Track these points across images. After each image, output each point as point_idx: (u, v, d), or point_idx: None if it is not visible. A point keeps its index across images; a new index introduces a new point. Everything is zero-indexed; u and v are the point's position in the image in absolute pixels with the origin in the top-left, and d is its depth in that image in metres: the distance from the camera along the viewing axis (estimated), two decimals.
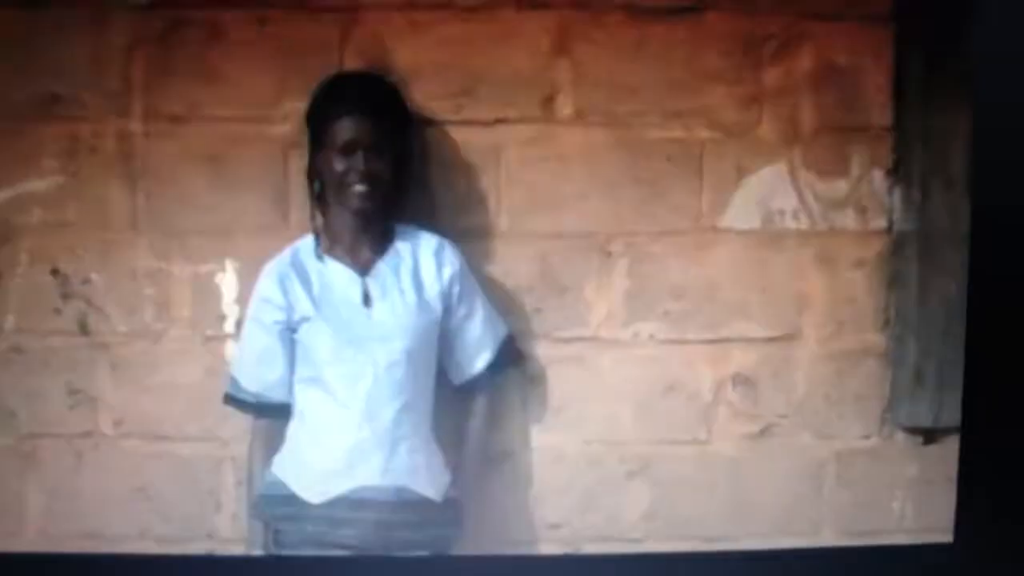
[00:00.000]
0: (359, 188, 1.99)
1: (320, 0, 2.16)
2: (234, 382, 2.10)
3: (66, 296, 2.20)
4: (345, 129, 1.99)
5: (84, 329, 2.21)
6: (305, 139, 2.09)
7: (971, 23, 2.03)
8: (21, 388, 2.21)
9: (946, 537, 2.07)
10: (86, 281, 2.20)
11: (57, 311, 2.20)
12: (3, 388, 2.20)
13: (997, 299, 1.93)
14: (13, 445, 2.22)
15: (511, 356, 2.16)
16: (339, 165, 2.00)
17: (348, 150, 1.99)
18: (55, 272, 2.20)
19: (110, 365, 2.21)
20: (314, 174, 2.07)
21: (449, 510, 2.06)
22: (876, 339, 2.26)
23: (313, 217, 2.09)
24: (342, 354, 2.00)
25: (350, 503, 1.98)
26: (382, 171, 2.01)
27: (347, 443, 1.99)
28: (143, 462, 2.23)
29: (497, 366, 2.13)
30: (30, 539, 2.22)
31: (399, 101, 2.08)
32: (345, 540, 1.98)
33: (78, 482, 2.23)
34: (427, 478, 2.03)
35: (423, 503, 2.02)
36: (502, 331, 2.14)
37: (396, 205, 2.09)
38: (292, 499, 2.01)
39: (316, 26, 2.16)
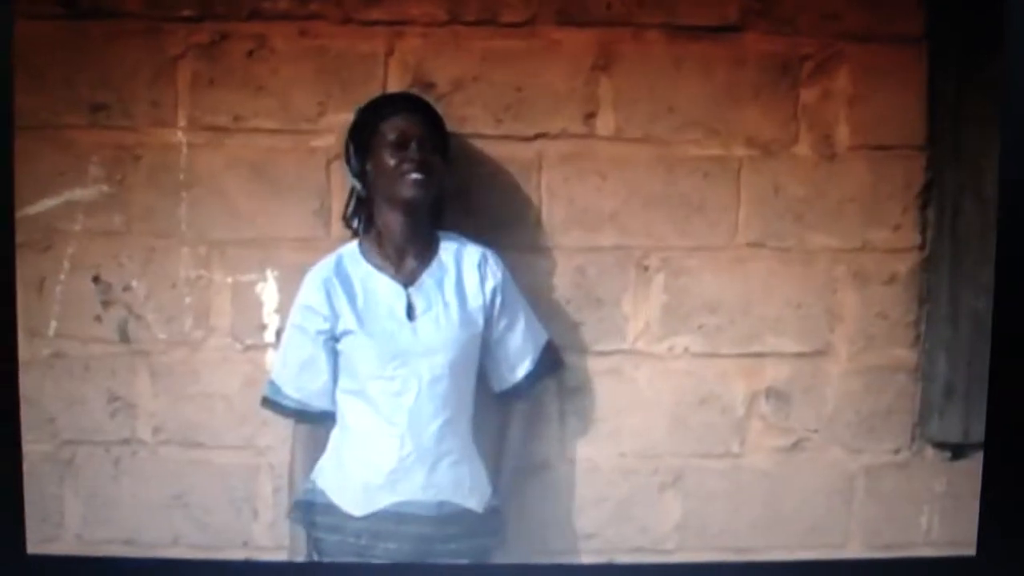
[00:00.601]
0: (414, 176, 2.00)
1: (364, 14, 2.18)
2: (274, 387, 2.11)
3: (107, 303, 2.22)
4: (397, 124, 2.02)
5: (124, 336, 2.22)
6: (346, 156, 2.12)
7: (1002, 43, 2.07)
8: (61, 394, 2.23)
9: (971, 551, 2.10)
10: (127, 289, 2.22)
11: (98, 318, 2.22)
12: (43, 394, 2.22)
13: (1022, 314, 1.97)
14: (52, 451, 2.23)
15: (552, 363, 2.18)
16: (392, 160, 2.02)
17: (401, 143, 2.01)
18: (96, 279, 2.22)
19: (150, 373, 2.23)
20: (354, 198, 2.11)
21: (490, 519, 2.08)
22: (907, 355, 2.29)
23: (359, 229, 2.12)
24: (385, 369, 2.02)
25: (392, 517, 2.00)
26: (435, 162, 2.03)
27: (390, 459, 2.01)
28: (181, 469, 2.25)
29: (538, 374, 2.15)
30: (68, 544, 2.24)
31: (439, 117, 2.10)
32: (386, 553, 2.00)
33: (116, 488, 2.24)
34: (469, 489, 2.05)
35: (465, 515, 2.04)
36: (542, 338, 2.16)
37: (438, 215, 2.12)
38: (333, 509, 2.03)
39: (360, 40, 2.19)
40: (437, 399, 2.02)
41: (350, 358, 2.05)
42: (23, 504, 2.05)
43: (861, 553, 2.31)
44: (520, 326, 2.12)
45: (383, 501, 2.01)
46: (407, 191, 2.02)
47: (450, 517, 2.02)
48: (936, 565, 2.27)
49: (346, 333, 2.04)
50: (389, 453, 2.01)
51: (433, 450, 2.01)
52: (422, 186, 2.02)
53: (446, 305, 2.06)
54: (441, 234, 2.11)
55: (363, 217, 2.11)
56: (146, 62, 2.18)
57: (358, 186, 2.09)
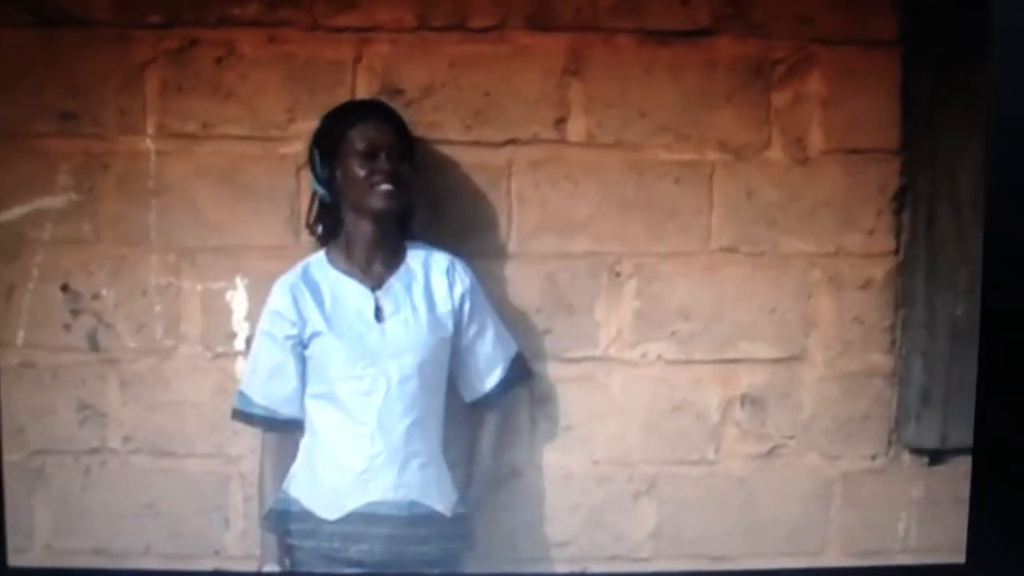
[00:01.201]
0: (384, 187, 2.00)
1: (333, 20, 2.17)
2: (243, 397, 2.10)
3: (76, 312, 2.21)
4: (365, 133, 2.02)
5: (94, 345, 2.21)
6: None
7: (977, 47, 2.06)
8: (30, 404, 2.22)
9: (957, 558, 2.08)
10: (96, 297, 2.21)
11: (67, 327, 2.21)
12: (12, 404, 2.20)
13: (1010, 319, 1.95)
14: (22, 461, 2.22)
15: (522, 373, 2.18)
16: (362, 170, 2.01)
17: (370, 152, 2.01)
18: (65, 288, 2.21)
19: (119, 381, 2.22)
20: (318, 203, 2.10)
21: (459, 525, 2.08)
22: (883, 360, 2.27)
23: (324, 234, 2.11)
24: (354, 369, 2.01)
25: (364, 518, 2.00)
26: (405, 171, 2.03)
27: (360, 459, 2.01)
28: (151, 478, 2.23)
29: (508, 383, 2.15)
30: (38, 555, 2.23)
31: (405, 125, 2.09)
32: (359, 556, 2.00)
33: (86, 498, 2.23)
34: (438, 493, 2.05)
35: (434, 517, 2.03)
36: (512, 348, 2.16)
37: (407, 222, 2.11)
38: (306, 515, 2.03)
39: (329, 46, 2.17)
40: (406, 399, 2.01)
41: (319, 361, 2.04)
42: (3, 517, 2.04)
43: (838, 560, 2.29)
44: (490, 334, 2.12)
45: (355, 502, 2.00)
46: (377, 202, 2.01)
47: (420, 518, 2.02)
48: (926, 573, 2.25)
49: (315, 335, 2.04)
50: (359, 453, 2.01)
51: (402, 450, 2.01)
52: (392, 197, 2.02)
53: (414, 308, 2.05)
54: (408, 243, 2.11)
55: (328, 223, 2.10)
56: (114, 69, 2.17)
57: (322, 191, 2.09)
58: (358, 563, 2.01)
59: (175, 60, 2.17)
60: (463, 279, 2.10)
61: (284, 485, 2.06)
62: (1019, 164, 1.93)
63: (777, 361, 2.26)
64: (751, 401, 2.26)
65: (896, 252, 2.26)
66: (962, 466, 2.18)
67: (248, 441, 2.17)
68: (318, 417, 2.06)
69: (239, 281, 2.21)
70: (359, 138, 2.02)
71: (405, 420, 2.02)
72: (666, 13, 2.19)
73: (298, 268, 2.09)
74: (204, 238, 2.20)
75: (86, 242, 2.20)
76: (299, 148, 2.17)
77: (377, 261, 2.07)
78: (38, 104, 2.17)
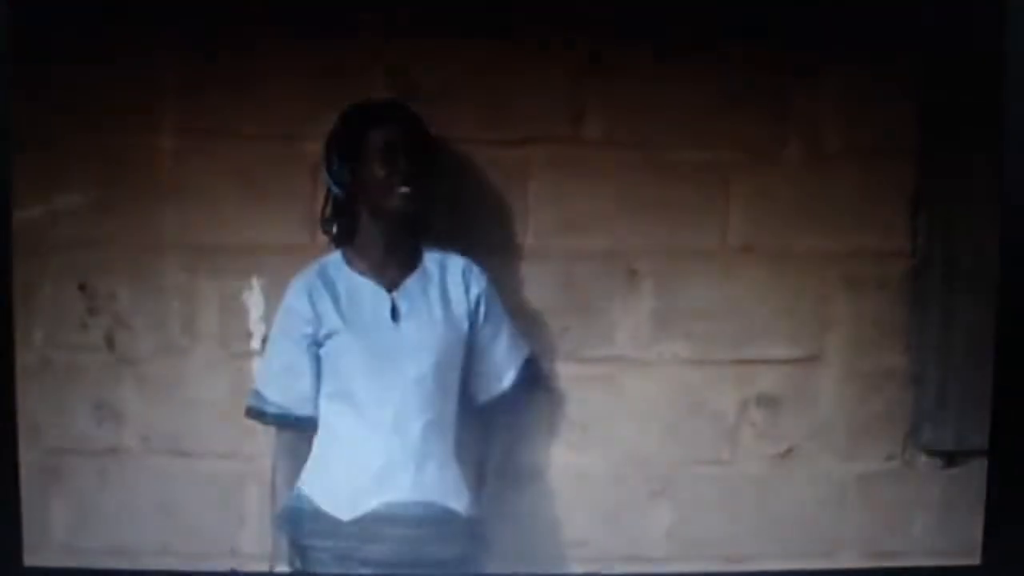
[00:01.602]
0: (403, 190, 2.00)
1: (352, 19, 2.17)
2: (257, 395, 2.10)
3: (93, 311, 2.21)
4: (385, 134, 2.01)
5: (110, 344, 2.22)
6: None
7: (997, 49, 2.06)
8: (47, 403, 2.21)
9: (972, 560, 2.08)
10: (113, 296, 2.21)
11: (84, 326, 2.21)
12: (29, 402, 2.19)
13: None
14: (38, 460, 2.21)
15: (535, 376, 2.18)
16: (381, 171, 2.01)
17: (389, 153, 2.01)
18: (83, 287, 2.21)
19: (136, 381, 2.22)
20: (332, 202, 2.10)
21: (474, 525, 2.07)
22: (899, 361, 2.27)
23: (339, 234, 2.11)
24: (370, 368, 2.02)
25: (380, 519, 1.99)
26: (424, 173, 2.03)
27: (376, 459, 2.00)
28: (168, 478, 2.23)
29: (521, 385, 2.15)
30: (54, 554, 2.22)
31: (425, 126, 2.09)
32: (375, 556, 1.99)
33: (102, 497, 2.23)
34: (454, 493, 2.04)
35: (450, 518, 2.03)
36: (525, 351, 2.16)
37: (424, 223, 2.10)
38: (321, 515, 2.02)
39: (347, 45, 2.17)
40: (421, 399, 2.02)
41: (335, 360, 2.04)
42: (20, 516, 2.04)
43: (853, 561, 2.29)
44: (504, 336, 2.12)
45: (371, 502, 2.00)
46: (397, 204, 2.02)
47: (436, 519, 2.01)
48: (940, 575, 2.25)
49: (330, 335, 2.04)
50: (375, 453, 2.01)
51: (419, 448, 2.01)
52: (411, 200, 2.02)
53: (430, 309, 2.06)
54: (424, 244, 2.11)
55: (343, 223, 2.10)
56: (133, 66, 2.17)
57: (338, 191, 2.08)
58: (373, 563, 2.00)
59: (194, 58, 2.17)
60: (479, 281, 2.10)
61: (298, 484, 2.06)
62: None
63: (793, 361, 2.26)
64: (767, 401, 2.26)
65: (913, 253, 2.26)
66: (978, 468, 2.17)
67: (264, 440, 2.17)
68: (333, 415, 2.05)
69: (256, 280, 2.21)
70: (378, 138, 2.02)
71: (420, 420, 2.02)
72: (685, 13, 2.18)
73: (314, 267, 2.09)
74: (221, 237, 2.20)
75: (103, 241, 2.20)
76: (317, 148, 2.15)
77: (393, 262, 2.08)
78: (56, 102, 2.16)
